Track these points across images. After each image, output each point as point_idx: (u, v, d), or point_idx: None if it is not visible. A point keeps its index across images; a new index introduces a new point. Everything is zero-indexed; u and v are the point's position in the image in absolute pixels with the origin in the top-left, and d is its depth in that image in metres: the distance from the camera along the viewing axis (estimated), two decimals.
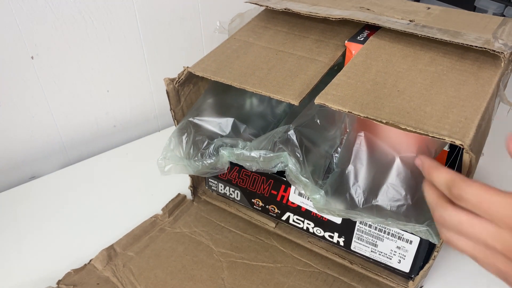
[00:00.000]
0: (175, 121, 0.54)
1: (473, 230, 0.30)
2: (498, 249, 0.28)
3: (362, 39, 0.50)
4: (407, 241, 0.46)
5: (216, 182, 0.58)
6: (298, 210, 0.52)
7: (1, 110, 0.64)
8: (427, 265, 0.46)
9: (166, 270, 0.51)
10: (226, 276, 0.51)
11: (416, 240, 0.46)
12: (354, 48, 0.50)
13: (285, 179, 0.51)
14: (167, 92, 0.52)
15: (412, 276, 0.48)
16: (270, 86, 0.46)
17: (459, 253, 0.33)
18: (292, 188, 0.51)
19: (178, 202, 0.60)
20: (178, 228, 0.57)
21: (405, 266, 0.48)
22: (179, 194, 0.61)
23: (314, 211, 0.50)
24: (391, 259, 0.49)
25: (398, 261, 0.48)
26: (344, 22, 0.57)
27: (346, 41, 0.51)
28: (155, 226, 0.57)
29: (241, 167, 0.53)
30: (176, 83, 0.52)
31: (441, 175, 0.33)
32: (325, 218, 0.50)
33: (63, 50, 0.65)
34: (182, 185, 0.62)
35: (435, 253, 0.45)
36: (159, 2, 0.71)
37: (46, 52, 0.64)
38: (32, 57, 0.63)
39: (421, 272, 0.47)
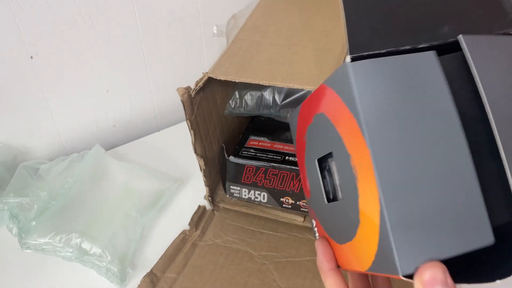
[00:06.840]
0: (191, 131, 0.53)
1: None
2: None
3: None
4: None
5: (238, 188, 0.57)
6: None
7: (1, 110, 0.63)
8: None
9: (216, 284, 0.49)
10: (277, 277, 0.50)
11: None
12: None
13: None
14: (182, 103, 0.50)
15: None
16: (299, 78, 0.46)
17: None
18: None
19: (200, 214, 0.58)
20: (210, 240, 0.55)
21: None
22: (199, 206, 0.59)
23: None
24: None
25: None
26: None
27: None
28: (186, 242, 0.54)
29: (267, 167, 0.53)
30: (193, 91, 0.50)
31: None
32: None
33: (63, 50, 0.64)
34: (181, 184, 0.64)
35: None
36: (159, 2, 0.69)
37: (45, 52, 0.62)
38: (31, 57, 0.61)
39: None
